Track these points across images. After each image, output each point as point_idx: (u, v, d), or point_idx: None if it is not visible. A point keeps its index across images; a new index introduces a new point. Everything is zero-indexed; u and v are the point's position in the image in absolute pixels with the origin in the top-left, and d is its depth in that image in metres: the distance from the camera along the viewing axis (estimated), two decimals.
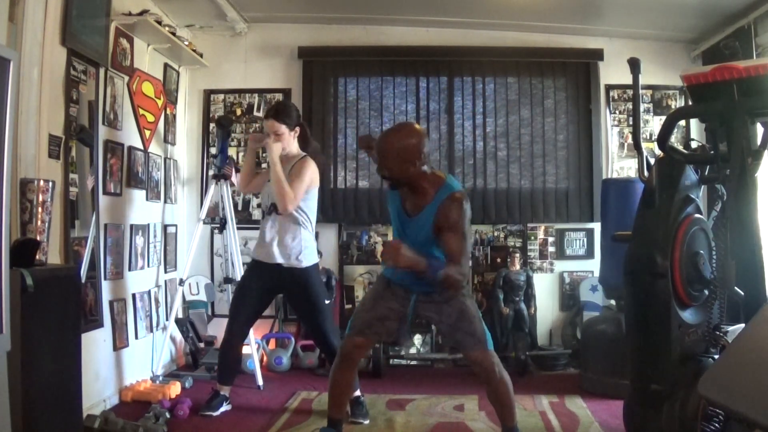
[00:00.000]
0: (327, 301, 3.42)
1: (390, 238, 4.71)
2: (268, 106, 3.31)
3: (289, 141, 3.27)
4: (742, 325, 2.25)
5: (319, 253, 4.46)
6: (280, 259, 3.24)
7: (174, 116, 4.56)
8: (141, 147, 3.96)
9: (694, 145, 2.82)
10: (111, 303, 3.54)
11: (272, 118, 3.23)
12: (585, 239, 4.80)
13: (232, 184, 4.29)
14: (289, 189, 3.14)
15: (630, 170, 4.78)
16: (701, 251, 2.54)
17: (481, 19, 4.63)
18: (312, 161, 3.29)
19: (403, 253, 2.39)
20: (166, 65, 4.38)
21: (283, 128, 3.23)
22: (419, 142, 2.47)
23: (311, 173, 3.24)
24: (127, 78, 3.75)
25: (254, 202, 4.72)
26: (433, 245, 2.53)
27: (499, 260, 4.74)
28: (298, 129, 3.31)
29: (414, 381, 4.14)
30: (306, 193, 3.23)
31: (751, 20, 3.95)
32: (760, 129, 2.47)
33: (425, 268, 2.43)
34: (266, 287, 3.36)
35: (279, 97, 4.80)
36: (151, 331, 4.03)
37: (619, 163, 4.85)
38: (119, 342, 3.58)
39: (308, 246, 3.29)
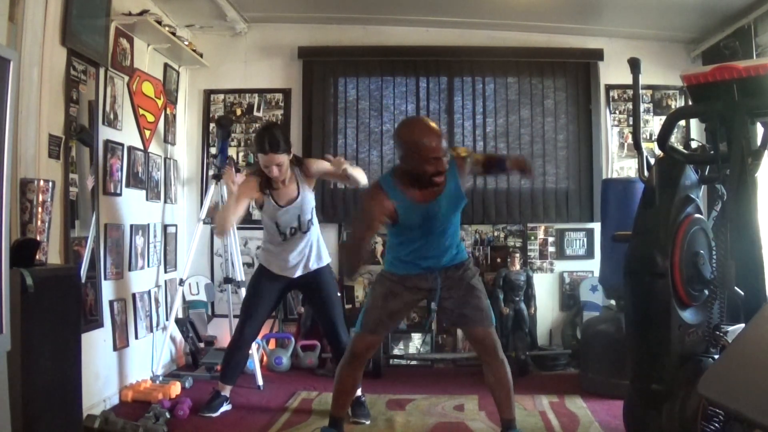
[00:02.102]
0: (338, 294, 3.49)
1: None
2: (258, 138, 3.16)
3: (288, 167, 3.21)
4: (742, 325, 2.24)
5: None
6: (313, 267, 3.34)
7: (174, 116, 4.56)
8: (141, 147, 3.96)
9: (694, 145, 2.82)
10: (111, 303, 3.54)
11: (271, 153, 3.08)
12: (585, 239, 4.80)
13: None
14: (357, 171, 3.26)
15: (630, 170, 4.78)
16: (701, 251, 2.54)
17: (481, 19, 4.63)
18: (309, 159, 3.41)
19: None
20: (166, 65, 4.38)
21: (284, 157, 3.14)
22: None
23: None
24: (127, 78, 3.75)
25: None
26: (457, 210, 2.72)
27: (499, 260, 4.73)
28: (291, 151, 3.23)
29: (414, 381, 4.14)
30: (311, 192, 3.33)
31: (751, 20, 3.95)
32: (760, 129, 2.47)
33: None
34: (280, 288, 3.40)
35: (279, 97, 4.81)
36: (151, 331, 4.03)
37: (619, 163, 4.84)
38: (119, 342, 3.58)
39: (323, 249, 3.41)
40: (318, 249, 3.36)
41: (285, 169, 3.16)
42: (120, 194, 3.70)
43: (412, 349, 4.66)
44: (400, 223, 2.62)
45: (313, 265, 3.33)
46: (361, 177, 3.26)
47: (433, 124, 2.55)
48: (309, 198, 3.29)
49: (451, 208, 2.66)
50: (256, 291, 3.38)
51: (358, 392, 3.26)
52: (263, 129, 3.26)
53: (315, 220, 3.37)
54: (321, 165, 3.31)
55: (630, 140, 4.79)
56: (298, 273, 3.32)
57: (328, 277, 3.41)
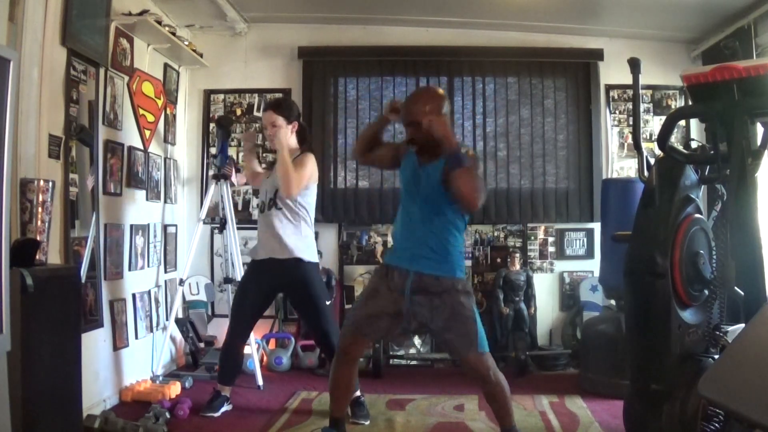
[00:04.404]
0: (328, 302, 3.41)
1: (390, 238, 4.71)
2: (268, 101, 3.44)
3: (286, 134, 3.24)
4: (742, 325, 2.24)
5: (319, 252, 4.46)
6: (280, 254, 3.22)
7: (174, 116, 4.56)
8: (141, 147, 3.96)
9: (694, 145, 2.82)
10: (111, 303, 3.54)
11: (269, 110, 3.28)
12: (585, 239, 4.80)
13: (232, 184, 4.29)
14: (294, 173, 3.13)
15: (630, 170, 4.78)
16: (701, 251, 2.54)
17: (481, 19, 4.63)
18: (312, 155, 3.30)
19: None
20: (166, 65, 4.38)
21: (281, 120, 3.24)
22: (443, 96, 2.64)
23: (312, 166, 3.25)
24: (127, 78, 3.75)
25: (254, 201, 4.72)
26: (442, 195, 2.50)
27: (499, 260, 4.74)
28: (295, 124, 3.32)
29: (414, 381, 4.14)
30: (306, 187, 3.23)
31: (751, 20, 3.95)
32: (760, 129, 2.47)
33: (454, 144, 2.46)
34: (266, 287, 3.35)
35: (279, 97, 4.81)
36: (151, 331, 4.02)
37: (619, 163, 4.85)
38: (119, 342, 3.58)
39: (308, 241, 3.29)
40: (296, 240, 3.21)
41: (277, 130, 3.22)
42: (120, 194, 3.70)
43: (412, 349, 4.66)
44: (400, 172, 2.72)
45: (285, 254, 3.19)
46: (282, 172, 3.09)
47: (427, 92, 2.71)
48: None
49: (427, 183, 2.55)
50: (241, 290, 3.40)
51: (357, 392, 3.26)
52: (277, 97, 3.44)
53: (306, 211, 3.26)
54: (302, 166, 3.21)
55: (630, 140, 4.79)
56: (264, 255, 3.25)
57: (313, 276, 3.28)
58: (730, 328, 2.45)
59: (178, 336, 4.34)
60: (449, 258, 2.56)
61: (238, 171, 4.37)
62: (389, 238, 4.72)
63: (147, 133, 4.01)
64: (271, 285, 3.35)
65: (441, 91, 2.70)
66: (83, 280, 3.10)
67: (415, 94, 2.75)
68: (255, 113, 4.82)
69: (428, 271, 2.53)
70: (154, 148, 4.14)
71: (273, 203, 3.24)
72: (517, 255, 4.61)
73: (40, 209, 2.58)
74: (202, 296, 4.59)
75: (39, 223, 2.58)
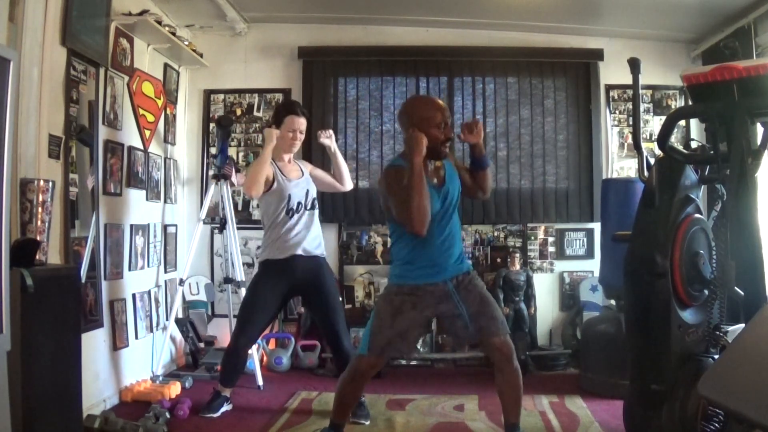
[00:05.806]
0: (340, 298, 3.45)
1: (389, 238, 4.71)
2: (287, 102, 3.66)
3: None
4: (742, 325, 2.25)
5: None
6: (316, 251, 3.35)
7: (174, 116, 4.57)
8: (141, 147, 3.96)
9: (694, 145, 2.83)
10: (111, 303, 3.54)
11: (304, 117, 3.36)
12: (585, 239, 4.80)
13: (232, 184, 4.28)
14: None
15: (630, 170, 4.78)
16: (701, 251, 2.54)
17: (481, 19, 4.63)
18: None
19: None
20: (166, 65, 4.38)
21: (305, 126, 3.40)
22: None
23: None
24: (127, 78, 3.75)
25: (254, 202, 4.71)
26: (459, 200, 2.70)
27: (499, 260, 4.73)
28: None
29: (414, 381, 4.14)
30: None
31: (751, 20, 3.95)
32: (760, 129, 2.47)
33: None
34: (281, 291, 3.30)
35: (279, 97, 4.80)
36: (151, 331, 4.03)
37: (619, 163, 4.85)
38: (119, 342, 3.59)
39: (322, 239, 3.45)
40: (319, 235, 3.40)
41: (302, 138, 3.38)
42: (120, 194, 3.70)
43: None
44: None
45: (313, 249, 3.33)
46: (345, 169, 3.50)
47: (435, 98, 2.75)
48: (311, 180, 3.42)
49: (453, 197, 2.65)
50: (255, 296, 3.30)
51: None
52: (289, 99, 3.74)
53: (317, 207, 3.42)
54: (318, 170, 3.57)
55: (630, 140, 4.79)
56: (299, 251, 3.25)
57: (328, 277, 3.38)
58: (730, 328, 2.45)
59: (178, 336, 4.34)
60: (463, 255, 2.73)
61: (238, 171, 4.37)
62: (389, 239, 4.72)
63: (147, 133, 4.01)
64: (286, 289, 3.30)
65: None
66: (83, 280, 3.11)
67: (433, 100, 2.69)
68: (255, 113, 4.82)
69: (461, 271, 2.66)
70: (154, 148, 4.14)
71: (312, 204, 3.36)
72: (517, 255, 4.61)
73: (40, 209, 2.58)
74: (202, 296, 4.59)
75: (39, 223, 2.58)
